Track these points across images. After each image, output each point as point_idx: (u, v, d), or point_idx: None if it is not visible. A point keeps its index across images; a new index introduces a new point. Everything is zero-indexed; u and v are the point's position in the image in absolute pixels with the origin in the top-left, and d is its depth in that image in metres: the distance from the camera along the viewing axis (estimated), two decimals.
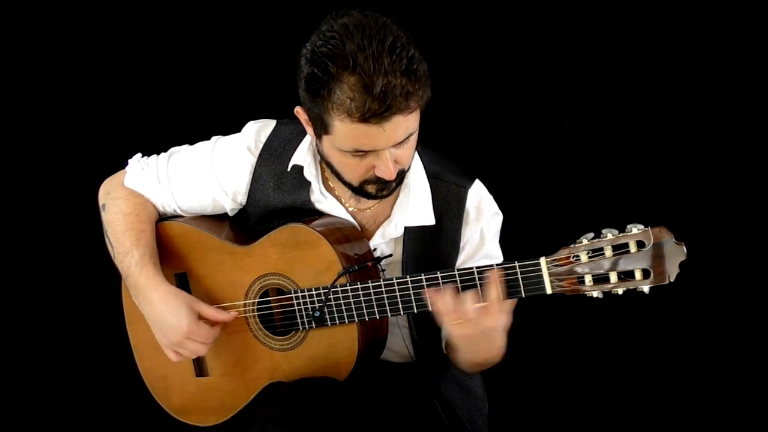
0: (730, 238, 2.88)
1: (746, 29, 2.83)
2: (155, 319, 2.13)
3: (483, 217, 2.12)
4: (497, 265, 1.86)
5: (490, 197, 2.15)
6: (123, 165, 2.27)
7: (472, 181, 2.12)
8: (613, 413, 3.00)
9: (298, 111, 1.96)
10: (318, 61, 1.82)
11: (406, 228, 2.09)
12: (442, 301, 1.85)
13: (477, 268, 1.87)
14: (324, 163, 2.04)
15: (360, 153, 1.89)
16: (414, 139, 1.93)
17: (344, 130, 1.85)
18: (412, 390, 2.15)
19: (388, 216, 2.11)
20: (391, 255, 2.10)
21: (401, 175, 1.98)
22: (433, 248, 2.09)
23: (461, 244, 2.11)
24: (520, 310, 2.27)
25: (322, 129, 1.90)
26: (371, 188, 1.98)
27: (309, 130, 1.98)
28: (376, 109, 1.79)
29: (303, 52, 1.87)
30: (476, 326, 1.83)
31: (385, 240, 2.11)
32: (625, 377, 3.03)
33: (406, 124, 1.85)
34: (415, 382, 2.16)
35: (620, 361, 3.03)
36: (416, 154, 2.08)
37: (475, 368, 2.07)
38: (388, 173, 1.91)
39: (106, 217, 2.21)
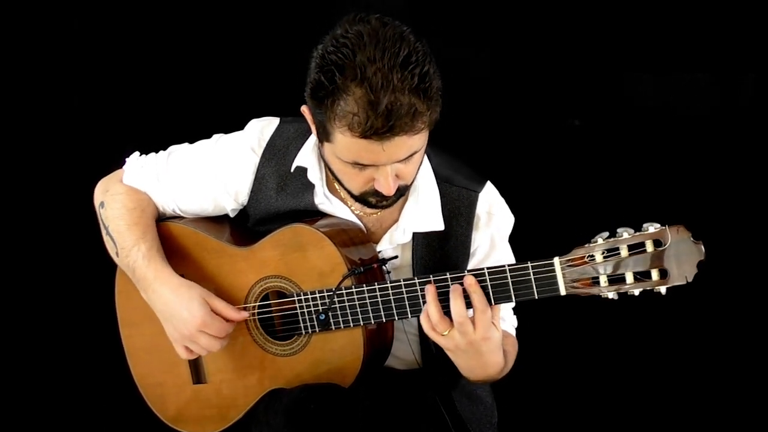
0: (749, 238, 2.88)
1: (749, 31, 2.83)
2: (166, 313, 2.06)
3: (494, 222, 2.08)
4: (509, 266, 1.82)
5: (502, 201, 2.10)
6: (119, 165, 2.22)
7: (483, 184, 2.08)
8: (627, 422, 2.97)
9: (304, 110, 1.92)
10: (326, 68, 1.76)
11: (414, 233, 2.05)
12: (428, 312, 1.83)
13: (488, 269, 1.83)
14: (328, 171, 2.00)
15: (359, 165, 1.85)
16: (419, 156, 1.89)
17: (344, 143, 1.80)
18: (419, 398, 2.10)
19: (396, 220, 2.07)
20: (396, 257, 2.06)
21: (403, 190, 1.94)
22: (442, 254, 2.05)
23: (472, 250, 2.08)
24: (531, 314, 2.24)
25: (324, 136, 1.86)
26: (371, 199, 1.94)
27: (313, 129, 1.94)
28: (378, 127, 1.74)
29: (314, 54, 1.82)
30: (463, 337, 1.81)
31: (393, 245, 2.06)
32: (641, 385, 3.01)
33: (410, 143, 1.80)
34: (423, 391, 2.11)
35: (635, 368, 3.02)
36: (426, 157, 2.04)
37: (480, 382, 2.03)
38: (387, 189, 1.87)
39: (105, 213, 2.15)
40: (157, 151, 2.20)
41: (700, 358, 2.99)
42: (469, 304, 1.82)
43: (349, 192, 1.95)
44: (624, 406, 2.99)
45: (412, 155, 1.84)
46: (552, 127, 2.98)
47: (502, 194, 2.11)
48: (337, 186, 2.06)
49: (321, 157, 1.99)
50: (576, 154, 2.97)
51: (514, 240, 2.13)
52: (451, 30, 2.91)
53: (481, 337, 1.81)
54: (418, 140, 1.82)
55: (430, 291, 1.84)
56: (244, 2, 2.98)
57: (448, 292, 1.83)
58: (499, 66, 2.98)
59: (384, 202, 1.94)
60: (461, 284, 1.83)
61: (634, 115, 2.96)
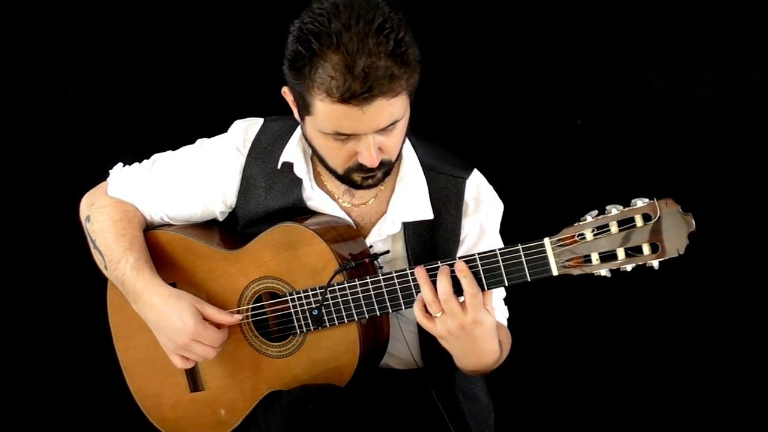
0: (754, 237, 2.89)
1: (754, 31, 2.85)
2: (158, 323, 2.05)
3: (482, 208, 2.07)
4: (499, 250, 1.82)
5: (490, 187, 2.10)
6: (103, 178, 2.21)
7: (470, 171, 2.08)
8: (625, 419, 2.96)
9: (285, 91, 1.92)
10: (303, 38, 1.79)
11: (405, 224, 2.04)
12: (421, 294, 1.83)
13: (479, 254, 1.83)
14: (313, 153, 2.00)
15: (341, 136, 1.85)
16: (400, 127, 1.89)
17: (325, 111, 1.81)
18: (418, 398, 2.09)
19: (384, 212, 2.06)
20: (388, 251, 2.04)
21: (388, 166, 1.94)
22: (433, 243, 2.05)
23: (461, 237, 2.07)
24: (525, 306, 2.23)
25: (304, 109, 1.87)
26: (356, 177, 1.93)
27: (294, 111, 1.95)
28: (356, 90, 1.75)
29: (291, 29, 1.84)
30: (453, 319, 1.81)
31: (382, 237, 2.06)
32: (640, 380, 3.00)
33: (390, 109, 1.81)
34: (422, 390, 2.09)
35: (633, 362, 3.00)
36: (411, 146, 2.05)
37: (476, 373, 2.02)
38: (370, 160, 1.86)
39: (92, 227, 2.14)
40: (140, 161, 2.19)
41: (700, 349, 2.98)
42: (460, 291, 1.82)
43: (334, 172, 1.95)
44: (623, 404, 2.98)
45: (393, 125, 1.84)
46: (555, 126, 2.97)
47: (490, 178, 2.11)
48: (324, 179, 2.06)
49: (304, 136, 1.98)
50: (578, 153, 2.97)
51: (503, 223, 2.12)
52: (455, 29, 2.90)
53: (472, 320, 1.81)
54: (399, 107, 1.82)
55: (421, 273, 1.84)
56: (234, 6, 2.99)
57: None
58: (500, 65, 2.97)
59: (370, 180, 1.94)
60: (452, 269, 1.83)
61: (639, 115, 2.96)
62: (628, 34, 2.90)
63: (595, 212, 1.74)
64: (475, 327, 1.82)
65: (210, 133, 2.16)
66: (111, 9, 2.97)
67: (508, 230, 2.13)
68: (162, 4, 2.97)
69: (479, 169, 2.11)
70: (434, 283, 1.83)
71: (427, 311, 1.85)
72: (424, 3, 2.60)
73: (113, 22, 2.98)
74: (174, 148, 2.18)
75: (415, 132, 2.02)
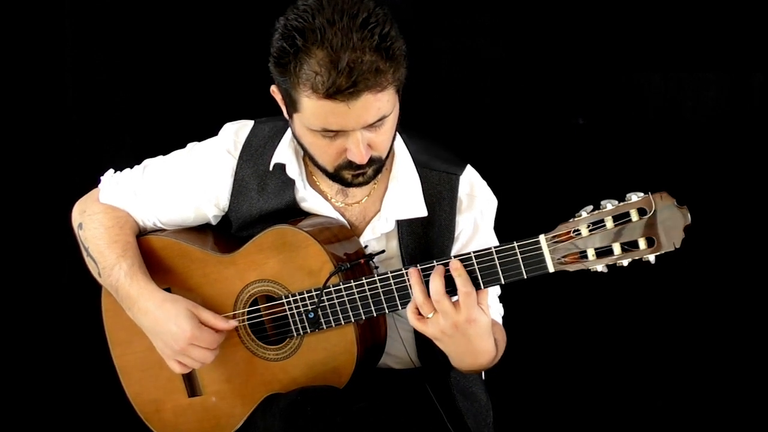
0: (739, 213, 2.88)
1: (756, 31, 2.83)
2: (154, 329, 2.04)
3: (476, 204, 2.07)
4: (495, 248, 1.80)
5: (483, 183, 2.10)
6: (94, 184, 2.21)
7: (463, 167, 2.07)
8: (622, 414, 2.94)
9: (274, 90, 1.92)
10: (287, 35, 1.79)
11: (399, 221, 2.03)
12: (413, 296, 1.82)
13: (475, 253, 1.81)
14: (304, 154, 2.00)
15: (329, 133, 1.84)
16: (389, 123, 1.88)
17: (311, 108, 1.81)
18: (416, 398, 2.07)
19: (378, 210, 2.06)
20: (383, 251, 2.04)
21: (378, 163, 1.93)
22: (427, 241, 2.04)
23: (455, 234, 2.06)
24: (521, 303, 2.21)
25: (292, 107, 1.86)
26: (347, 174, 1.93)
27: (283, 110, 1.94)
28: (341, 85, 1.74)
29: (276, 26, 1.84)
30: (446, 319, 1.79)
31: (376, 236, 2.05)
32: (636, 375, 2.98)
33: (378, 104, 1.80)
34: (420, 390, 2.08)
35: (630, 357, 2.98)
36: (403, 143, 2.05)
37: (471, 372, 2.01)
38: (359, 156, 1.85)
39: (84, 234, 2.14)
40: (131, 167, 2.19)
41: (697, 343, 2.96)
42: (454, 290, 1.80)
43: (324, 170, 1.94)
44: (620, 399, 2.97)
45: (381, 120, 1.83)
46: (556, 126, 2.96)
47: (484, 175, 2.10)
48: (317, 180, 2.06)
49: (293, 135, 1.98)
50: (580, 152, 2.96)
51: (498, 221, 2.11)
52: (455, 29, 2.90)
53: (466, 319, 1.79)
54: (386, 102, 1.81)
55: (414, 274, 1.83)
56: (236, 3, 3.00)
57: None
58: (501, 65, 2.97)
59: (360, 177, 1.93)
60: (447, 269, 1.81)
61: (640, 115, 2.95)
62: (629, 33, 2.89)
63: (590, 208, 1.72)
64: (469, 326, 1.80)
65: (211, 133, 2.16)
66: (111, 9, 2.97)
67: (505, 227, 2.12)
68: (161, 5, 2.98)
69: (479, 168, 2.10)
70: (427, 283, 1.82)
71: (419, 313, 1.84)
72: (424, 3, 2.63)
73: (113, 22, 2.98)
74: (174, 149, 2.18)
75: (407, 129, 2.02)
